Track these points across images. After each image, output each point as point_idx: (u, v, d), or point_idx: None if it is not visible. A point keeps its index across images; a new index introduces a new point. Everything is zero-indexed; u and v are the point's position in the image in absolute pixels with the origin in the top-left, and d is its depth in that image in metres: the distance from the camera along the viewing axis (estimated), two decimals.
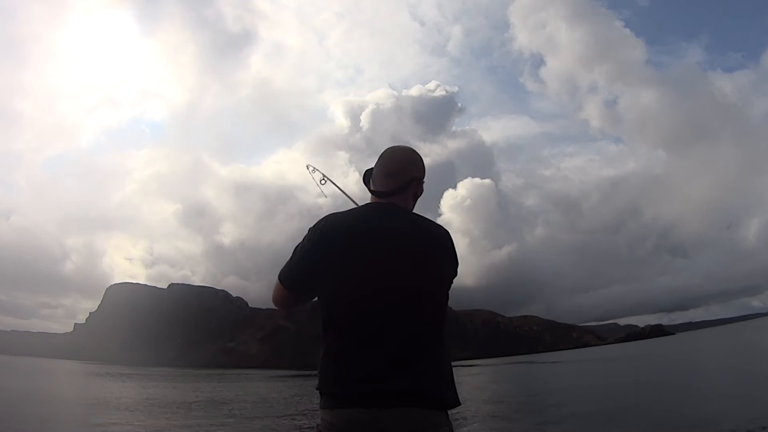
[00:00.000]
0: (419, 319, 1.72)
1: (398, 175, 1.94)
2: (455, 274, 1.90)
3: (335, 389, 1.69)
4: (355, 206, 2.05)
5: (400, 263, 1.74)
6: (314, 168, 2.77)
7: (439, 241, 1.87)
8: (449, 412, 1.76)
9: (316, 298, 1.84)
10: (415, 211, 2.04)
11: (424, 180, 2.02)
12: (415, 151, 2.02)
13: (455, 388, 1.78)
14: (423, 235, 1.84)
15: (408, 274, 1.74)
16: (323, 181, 2.75)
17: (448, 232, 1.92)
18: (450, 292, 1.86)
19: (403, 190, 1.93)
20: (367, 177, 2.02)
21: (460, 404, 1.77)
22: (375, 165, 2.00)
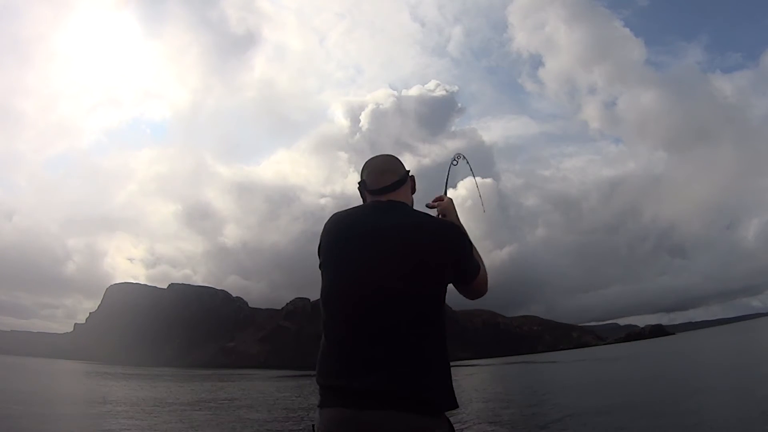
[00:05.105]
0: (397, 317, 1.66)
1: (393, 171, 1.98)
2: (454, 266, 1.80)
3: (320, 385, 1.71)
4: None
5: (378, 261, 1.70)
6: (462, 158, 2.56)
7: (432, 235, 1.78)
8: (447, 414, 1.68)
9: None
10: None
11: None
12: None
13: (449, 389, 1.68)
14: (412, 231, 1.77)
15: (385, 272, 1.69)
16: (455, 162, 2.53)
17: (449, 226, 1.88)
18: (450, 291, 1.81)
19: (402, 182, 1.97)
20: (362, 188, 2.02)
21: (456, 407, 1.68)
22: (363, 174, 2.01)
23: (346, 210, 1.93)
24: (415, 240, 1.74)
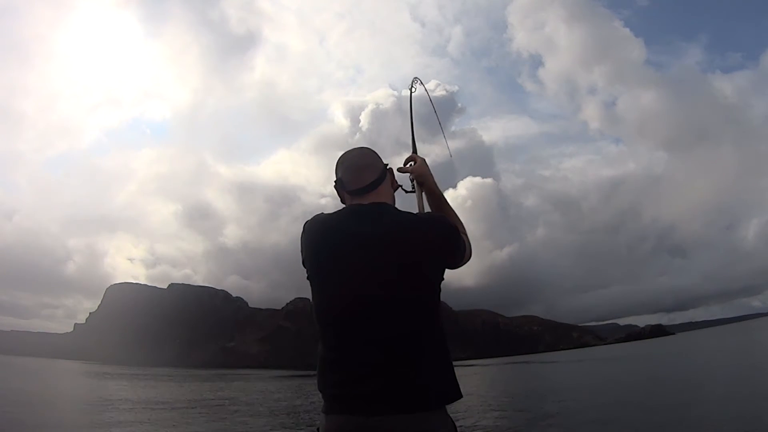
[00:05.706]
0: (394, 321, 1.62)
1: (371, 167, 1.84)
2: (447, 262, 1.76)
3: (323, 393, 1.69)
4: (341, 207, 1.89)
5: (370, 267, 1.65)
6: (418, 82, 2.46)
7: (423, 235, 1.71)
8: (452, 406, 1.68)
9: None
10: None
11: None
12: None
13: (451, 383, 1.68)
14: (401, 235, 1.69)
15: (378, 277, 1.64)
16: (413, 88, 2.44)
17: (438, 224, 1.77)
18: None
19: (382, 179, 1.84)
20: (339, 187, 1.87)
21: (459, 397, 1.67)
22: (338, 171, 1.86)
23: (325, 216, 1.80)
24: (406, 243, 1.67)
